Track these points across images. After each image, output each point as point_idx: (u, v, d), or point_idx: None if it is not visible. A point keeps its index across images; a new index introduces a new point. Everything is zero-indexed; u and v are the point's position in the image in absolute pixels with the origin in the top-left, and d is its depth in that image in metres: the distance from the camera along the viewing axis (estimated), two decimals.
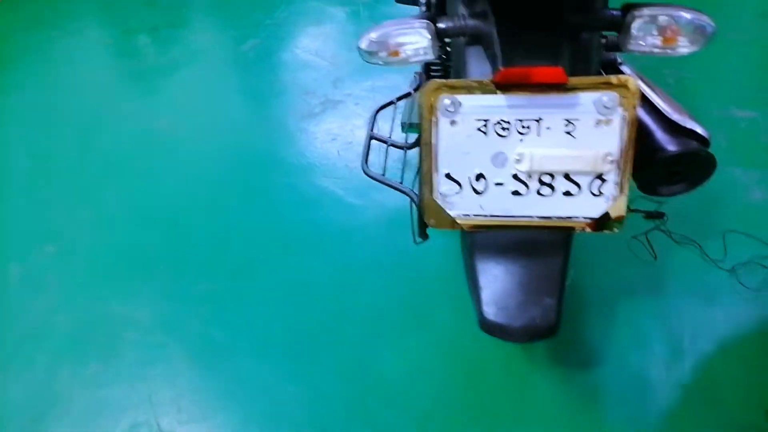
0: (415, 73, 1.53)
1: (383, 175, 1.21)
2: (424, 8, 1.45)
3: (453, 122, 0.85)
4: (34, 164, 2.04)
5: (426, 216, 0.90)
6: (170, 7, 2.86)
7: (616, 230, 0.87)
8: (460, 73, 0.88)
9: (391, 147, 1.30)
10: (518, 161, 0.85)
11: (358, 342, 1.44)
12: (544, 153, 0.83)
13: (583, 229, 0.88)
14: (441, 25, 0.84)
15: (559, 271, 0.91)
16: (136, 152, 2.05)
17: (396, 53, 0.84)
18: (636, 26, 0.77)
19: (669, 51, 0.79)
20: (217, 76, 2.40)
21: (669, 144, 0.88)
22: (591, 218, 0.87)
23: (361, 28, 2.54)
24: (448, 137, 0.86)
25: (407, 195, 1.14)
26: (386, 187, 1.17)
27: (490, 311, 0.90)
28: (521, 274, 0.91)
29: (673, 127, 0.89)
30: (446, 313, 1.47)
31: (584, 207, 0.86)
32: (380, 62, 0.86)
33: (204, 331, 1.50)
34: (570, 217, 0.87)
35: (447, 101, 0.84)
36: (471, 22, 0.83)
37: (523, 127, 0.84)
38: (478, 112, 0.84)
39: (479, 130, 0.85)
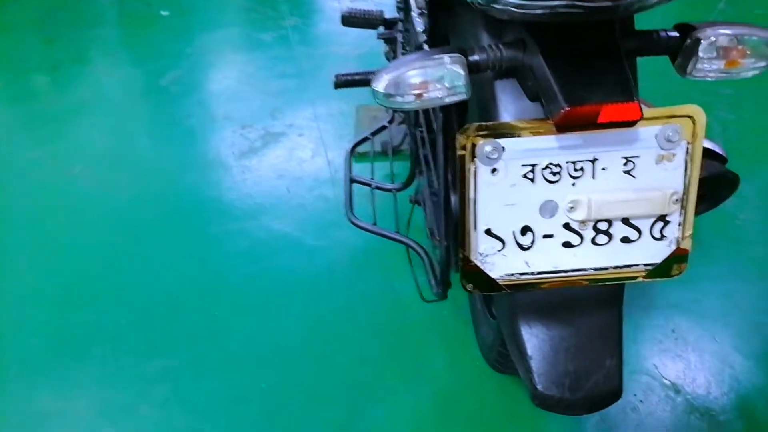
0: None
1: (374, 224, 1.06)
2: (399, 35, 1.31)
3: (494, 170, 0.72)
4: None
5: (463, 280, 0.76)
6: (72, 41, 2.55)
7: (676, 275, 0.77)
8: (487, 111, 0.75)
9: (377, 190, 1.15)
10: (572, 209, 0.73)
11: (345, 402, 1.27)
12: (605, 198, 0.71)
13: (643, 278, 0.77)
14: (474, 58, 0.70)
15: (617, 327, 0.79)
16: (47, 208, 1.77)
17: (421, 94, 0.70)
18: (703, 49, 0.68)
19: (733, 74, 0.70)
20: (136, 115, 2.15)
21: None
22: (652, 265, 0.76)
23: (293, 53, 2.37)
24: (488, 188, 0.72)
25: (409, 246, 1.00)
26: (379, 236, 1.02)
27: (544, 384, 0.77)
28: (574, 335, 0.79)
29: None
30: (439, 360, 1.33)
31: (645, 253, 0.75)
32: (403, 105, 0.71)
33: (161, 416, 1.28)
34: (629, 266, 0.76)
35: (488, 147, 0.70)
36: (507, 53, 0.71)
37: (576, 169, 0.72)
38: (523, 157, 0.71)
39: (525, 177, 0.72)
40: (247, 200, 1.76)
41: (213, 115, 2.10)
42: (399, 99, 0.71)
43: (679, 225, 0.74)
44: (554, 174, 0.72)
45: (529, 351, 0.79)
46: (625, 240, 0.75)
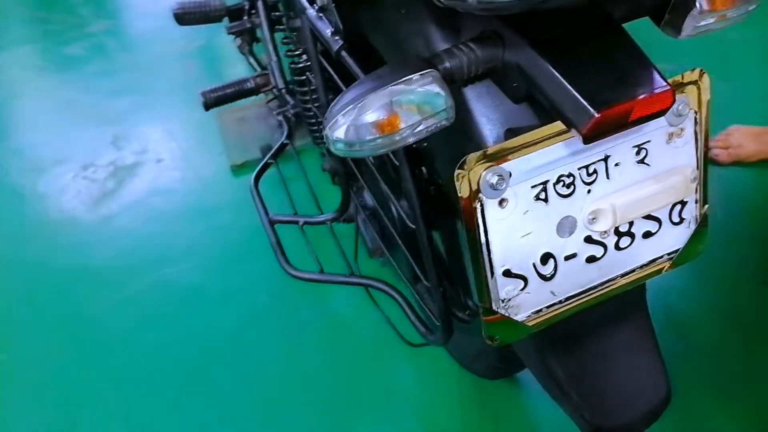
0: (280, 116, 1.16)
1: (321, 271, 0.87)
2: (253, 21, 1.06)
3: (503, 202, 0.57)
4: None
5: (486, 336, 0.63)
6: None
7: (700, 254, 0.69)
8: (461, 127, 0.60)
9: (307, 225, 0.96)
10: (594, 220, 0.61)
11: None
12: (627, 199, 0.60)
13: (669, 268, 0.68)
14: (446, 66, 0.54)
15: (649, 331, 0.71)
16: None
17: (392, 127, 0.53)
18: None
19: (731, 19, 0.60)
20: None
21: None
22: (675, 252, 0.67)
23: (116, 65, 2.01)
24: (499, 224, 0.58)
25: (379, 289, 0.84)
26: (334, 285, 0.85)
27: (598, 417, 0.67)
28: (611, 356, 0.69)
29: None
30: (406, 374, 1.20)
31: (667, 242, 0.66)
32: (374, 152, 0.54)
33: None
34: (654, 260, 0.67)
35: (493, 177, 0.56)
36: (483, 53, 0.55)
37: (589, 174, 0.60)
38: (533, 177, 0.58)
39: (538, 198, 0.59)
40: (123, 258, 1.47)
41: (38, 162, 1.72)
42: (367, 146, 0.53)
43: (696, 202, 0.66)
44: (567, 186, 0.59)
45: (571, 388, 0.68)
46: (647, 235, 0.65)
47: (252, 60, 1.41)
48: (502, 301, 0.61)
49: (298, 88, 0.95)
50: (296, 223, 0.95)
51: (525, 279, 0.61)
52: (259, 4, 1.13)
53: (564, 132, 0.57)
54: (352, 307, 1.29)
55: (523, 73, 0.55)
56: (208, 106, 1.24)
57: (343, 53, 0.70)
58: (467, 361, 1.07)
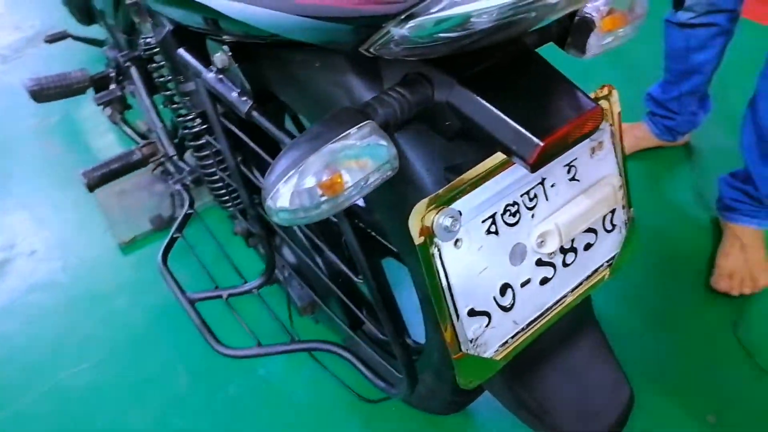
0: (177, 185, 1.07)
1: (258, 344, 0.80)
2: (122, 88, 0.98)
3: (457, 242, 0.56)
4: None
5: (460, 378, 0.61)
6: None
7: (632, 255, 0.72)
8: (402, 172, 0.58)
9: (231, 298, 0.89)
10: (542, 243, 0.61)
11: None
12: (569, 217, 0.62)
13: (608, 275, 0.70)
14: (379, 114, 0.52)
15: (603, 339, 0.72)
16: None
17: (337, 188, 0.50)
18: (598, 21, 0.60)
19: (625, 36, 0.64)
20: None
21: None
22: (612, 258, 0.70)
23: None
24: (457, 265, 0.57)
25: (327, 351, 0.78)
26: (276, 355, 0.78)
27: (574, 430, 0.67)
28: (573, 370, 0.70)
29: None
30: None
31: (605, 250, 0.69)
32: (320, 216, 0.50)
33: None
34: (596, 270, 0.69)
35: (446, 220, 0.54)
36: (414, 97, 0.54)
37: (530, 199, 0.60)
38: (481, 212, 0.57)
39: (489, 232, 0.58)
40: (3, 370, 1.29)
41: None
42: (314, 212, 0.50)
43: (624, 207, 0.69)
44: (513, 215, 0.59)
45: (544, 411, 0.67)
46: (587, 247, 0.67)
47: (127, 129, 1.32)
48: (471, 341, 0.60)
49: (196, 153, 0.89)
50: (219, 297, 0.88)
51: (488, 314, 0.60)
52: (134, 71, 1.04)
53: (505, 163, 0.57)
54: (283, 371, 1.22)
55: (455, 111, 0.55)
56: (92, 187, 1.13)
57: (254, 113, 0.67)
58: (419, 401, 1.04)
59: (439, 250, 0.55)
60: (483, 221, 0.57)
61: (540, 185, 0.61)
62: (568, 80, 0.55)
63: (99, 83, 1.29)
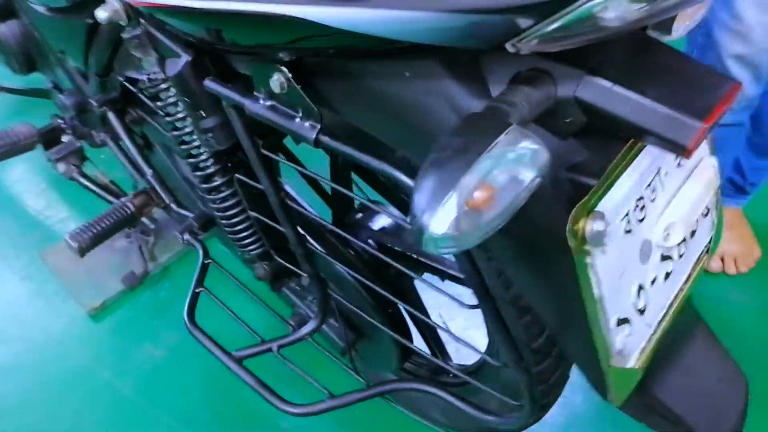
0: (185, 234, 0.94)
1: (330, 395, 0.69)
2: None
3: (604, 249, 0.51)
4: None
5: (615, 394, 0.55)
6: None
7: (720, 235, 0.70)
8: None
9: (282, 349, 0.78)
10: (667, 236, 0.57)
11: None
12: (687, 205, 0.58)
13: (708, 260, 0.68)
14: (516, 114, 0.46)
15: (712, 333, 0.69)
16: None
17: (486, 200, 0.43)
18: None
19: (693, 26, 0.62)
20: None
21: None
22: (709, 241, 0.67)
23: None
24: (608, 273, 0.51)
25: (414, 391, 0.70)
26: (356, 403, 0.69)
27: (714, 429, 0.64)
28: (690, 366, 0.66)
29: None
30: None
31: (704, 235, 0.66)
32: (477, 240, 0.43)
33: None
34: (699, 257, 0.66)
35: (599, 224, 0.49)
36: (538, 93, 0.48)
37: (653, 191, 0.56)
38: (619, 211, 0.52)
39: (626, 231, 0.53)
40: None
41: None
42: (476, 235, 0.43)
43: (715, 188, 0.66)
44: (641, 209, 0.55)
45: (673, 414, 0.63)
46: (693, 233, 0.64)
47: (88, 183, 1.17)
48: (618, 352, 0.55)
49: (208, 196, 0.79)
50: (269, 350, 0.77)
51: (629, 321, 0.56)
52: (111, 116, 0.91)
53: (634, 155, 0.53)
54: (306, 423, 1.11)
55: (585, 106, 0.49)
56: (83, 251, 0.99)
57: (326, 138, 0.59)
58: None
59: (592, 261, 0.50)
60: (621, 220, 0.53)
61: (657, 175, 0.57)
62: (692, 58, 0.52)
63: (49, 137, 1.14)
